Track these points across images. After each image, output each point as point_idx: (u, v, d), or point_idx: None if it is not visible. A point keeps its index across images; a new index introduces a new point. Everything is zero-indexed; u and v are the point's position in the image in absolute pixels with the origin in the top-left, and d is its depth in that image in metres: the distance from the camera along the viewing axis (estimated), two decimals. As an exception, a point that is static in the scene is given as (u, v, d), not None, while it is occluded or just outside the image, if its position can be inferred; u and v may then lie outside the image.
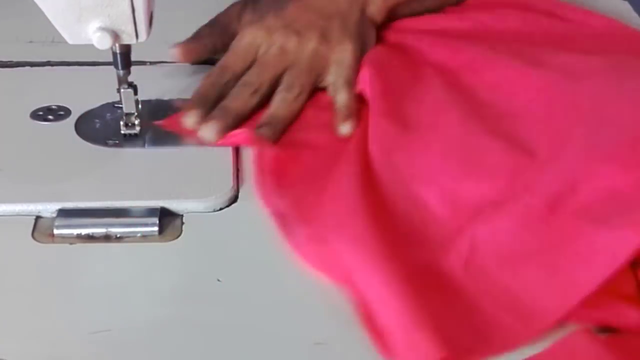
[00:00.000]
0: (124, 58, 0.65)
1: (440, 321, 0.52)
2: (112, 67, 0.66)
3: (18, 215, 0.62)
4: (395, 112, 0.69)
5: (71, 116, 0.71)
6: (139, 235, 0.60)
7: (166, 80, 0.76)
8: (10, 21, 0.85)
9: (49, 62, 0.79)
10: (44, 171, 0.65)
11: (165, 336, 0.53)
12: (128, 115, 0.68)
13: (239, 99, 0.71)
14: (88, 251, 0.59)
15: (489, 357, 0.52)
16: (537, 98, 0.69)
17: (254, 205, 0.63)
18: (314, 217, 0.60)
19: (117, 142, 0.68)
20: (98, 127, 0.70)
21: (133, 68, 0.66)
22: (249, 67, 0.74)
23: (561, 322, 0.53)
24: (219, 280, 0.57)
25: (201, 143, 0.68)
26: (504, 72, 0.72)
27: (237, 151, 0.68)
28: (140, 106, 0.69)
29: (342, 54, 0.74)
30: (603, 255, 0.54)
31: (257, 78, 0.72)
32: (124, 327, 0.53)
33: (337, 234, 0.58)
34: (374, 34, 0.79)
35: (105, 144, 0.68)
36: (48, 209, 0.62)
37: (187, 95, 0.73)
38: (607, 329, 0.53)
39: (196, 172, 0.65)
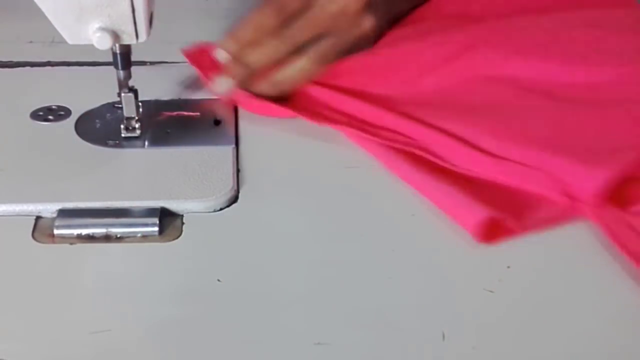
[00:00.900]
0: (124, 58, 0.65)
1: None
2: (112, 67, 0.66)
3: (18, 215, 0.62)
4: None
5: (71, 116, 0.71)
6: (139, 235, 0.60)
7: (166, 80, 0.76)
8: (10, 21, 0.85)
9: (49, 62, 0.79)
10: (44, 171, 0.65)
11: (166, 336, 0.53)
12: (128, 119, 0.68)
13: (268, 55, 0.69)
14: (88, 251, 0.59)
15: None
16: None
17: (254, 206, 0.63)
18: None
19: (117, 142, 0.68)
20: (98, 127, 0.70)
21: (133, 68, 0.67)
22: (300, 10, 0.70)
23: None
24: (219, 280, 0.57)
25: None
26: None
27: (237, 151, 0.68)
28: (141, 109, 0.69)
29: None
30: None
31: (300, 35, 0.69)
32: (124, 327, 0.54)
33: None
34: None
35: (106, 144, 0.68)
36: (48, 209, 0.62)
37: (187, 95, 0.73)
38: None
39: (196, 172, 0.65)
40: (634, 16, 0.79)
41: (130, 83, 0.67)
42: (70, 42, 0.63)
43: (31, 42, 0.82)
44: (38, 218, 0.62)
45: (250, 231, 0.61)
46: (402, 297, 0.56)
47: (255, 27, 0.70)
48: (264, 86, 0.70)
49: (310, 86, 0.73)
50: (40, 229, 0.61)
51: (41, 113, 0.71)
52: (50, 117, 0.71)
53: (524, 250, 0.60)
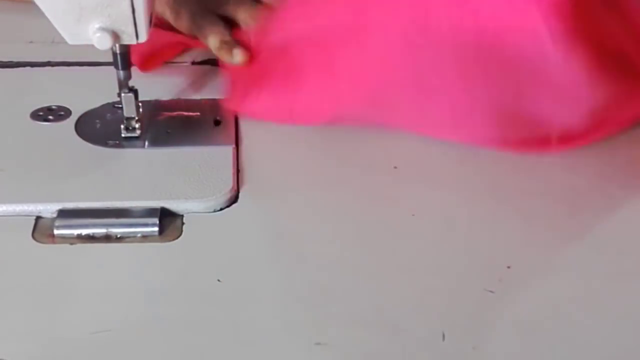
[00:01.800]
0: (124, 58, 0.65)
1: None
2: (112, 67, 0.66)
3: (18, 215, 0.62)
4: None
5: (71, 116, 0.71)
6: (139, 235, 0.60)
7: (166, 80, 0.76)
8: (10, 21, 0.85)
9: (49, 62, 0.79)
10: (44, 171, 0.65)
11: (166, 336, 0.53)
12: (128, 119, 0.68)
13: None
14: (88, 251, 0.59)
15: None
16: None
17: (254, 206, 0.63)
18: None
19: (117, 142, 0.68)
20: (98, 128, 0.70)
21: (133, 69, 0.67)
22: None
23: None
24: (219, 280, 0.57)
25: None
26: None
27: (237, 151, 0.68)
28: (141, 109, 0.69)
29: None
30: None
31: None
32: (124, 327, 0.54)
33: None
34: None
35: (106, 144, 0.68)
36: (48, 209, 0.62)
37: (187, 95, 0.74)
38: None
39: (196, 172, 0.65)
40: None
41: (130, 83, 0.67)
42: (70, 42, 0.63)
43: (31, 42, 0.82)
44: (38, 218, 0.62)
45: (250, 231, 0.61)
46: (402, 297, 0.56)
47: None
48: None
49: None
50: (41, 229, 0.61)
51: (41, 113, 0.71)
52: (50, 117, 0.71)
53: (524, 250, 0.60)
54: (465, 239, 0.60)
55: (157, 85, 0.75)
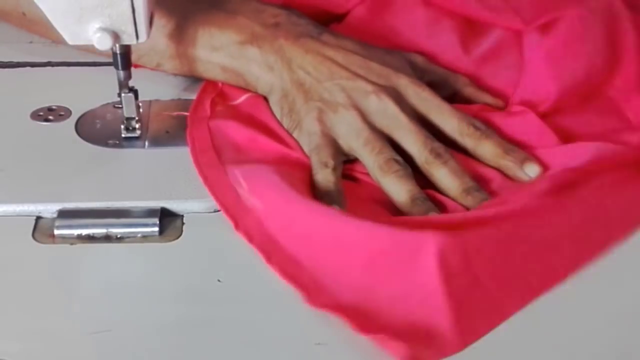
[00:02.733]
0: (124, 58, 0.66)
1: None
2: (112, 68, 0.66)
3: (18, 215, 0.62)
4: None
5: (71, 116, 0.71)
6: (139, 235, 0.60)
7: (166, 80, 0.76)
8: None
9: (49, 62, 0.79)
10: (44, 172, 0.65)
11: (166, 336, 0.53)
12: (128, 119, 0.68)
13: None
14: (88, 252, 0.59)
15: None
16: None
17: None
18: None
19: (117, 142, 0.68)
20: (98, 128, 0.70)
21: (133, 69, 0.67)
22: None
23: None
24: (219, 280, 0.57)
25: None
26: None
27: (237, 151, 0.68)
28: (141, 109, 0.69)
29: None
30: None
31: None
32: (125, 327, 0.54)
33: None
34: None
35: (106, 145, 0.68)
36: (48, 209, 0.62)
37: (187, 95, 0.74)
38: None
39: (196, 172, 0.65)
40: None
41: (130, 83, 0.67)
42: (70, 42, 0.63)
43: (31, 42, 0.82)
44: (38, 218, 0.62)
45: (250, 231, 0.61)
46: (402, 297, 0.56)
47: None
48: None
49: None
50: (41, 229, 0.61)
51: (41, 113, 0.71)
52: (50, 117, 0.71)
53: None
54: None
55: (157, 85, 0.75)
